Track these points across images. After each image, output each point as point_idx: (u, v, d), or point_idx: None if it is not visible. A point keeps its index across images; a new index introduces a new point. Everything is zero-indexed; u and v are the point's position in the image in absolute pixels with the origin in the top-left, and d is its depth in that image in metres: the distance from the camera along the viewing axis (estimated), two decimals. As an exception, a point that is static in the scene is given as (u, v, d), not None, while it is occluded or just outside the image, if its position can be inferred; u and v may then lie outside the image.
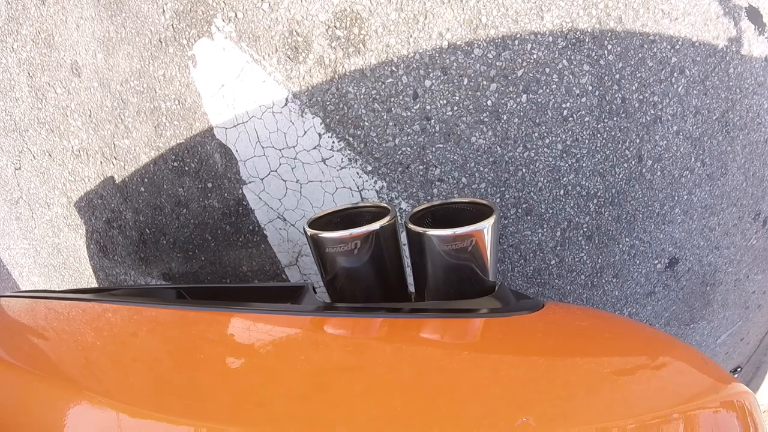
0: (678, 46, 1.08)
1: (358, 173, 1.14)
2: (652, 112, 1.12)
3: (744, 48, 1.15)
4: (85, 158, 1.41)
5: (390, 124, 1.09)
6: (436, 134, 1.09)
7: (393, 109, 1.07)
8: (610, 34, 1.04)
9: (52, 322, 0.71)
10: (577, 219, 1.19)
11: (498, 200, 1.15)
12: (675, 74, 1.10)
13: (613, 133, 1.11)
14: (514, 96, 1.06)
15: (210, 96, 1.15)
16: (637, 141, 1.13)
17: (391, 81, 1.05)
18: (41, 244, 1.73)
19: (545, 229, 1.19)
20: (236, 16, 1.07)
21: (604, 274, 1.29)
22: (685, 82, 1.12)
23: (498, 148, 1.10)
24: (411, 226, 0.67)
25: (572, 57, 1.04)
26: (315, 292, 0.74)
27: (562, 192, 1.15)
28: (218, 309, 0.63)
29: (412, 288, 0.80)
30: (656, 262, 1.31)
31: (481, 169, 1.12)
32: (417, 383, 0.45)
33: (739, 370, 1.84)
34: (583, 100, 1.07)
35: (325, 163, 1.14)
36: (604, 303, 1.34)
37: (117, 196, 1.40)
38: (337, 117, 1.09)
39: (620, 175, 1.16)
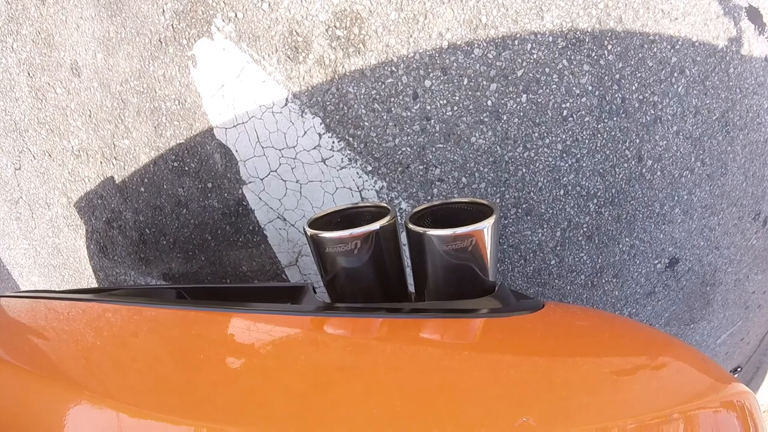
0: (678, 46, 1.08)
1: (358, 173, 1.14)
2: (652, 112, 1.12)
3: (744, 48, 1.15)
4: (85, 158, 1.41)
5: (390, 124, 1.09)
6: (436, 134, 1.09)
7: (393, 109, 1.07)
8: (610, 34, 1.04)
9: (52, 322, 0.71)
10: (577, 219, 1.19)
11: (498, 200, 1.15)
12: (675, 74, 1.10)
13: (613, 133, 1.11)
14: (514, 96, 1.06)
15: (210, 96, 1.15)
16: (637, 141, 1.13)
17: (391, 81, 1.05)
18: (41, 245, 1.73)
19: (545, 229, 1.19)
20: (236, 16, 1.07)
21: (604, 274, 1.29)
22: (685, 82, 1.12)
23: (498, 148, 1.10)
24: (411, 226, 0.67)
25: (572, 57, 1.04)
26: (315, 292, 0.74)
27: (562, 192, 1.15)
28: (218, 309, 0.63)
29: (412, 288, 0.80)
30: (656, 262, 1.31)
31: (481, 169, 1.12)
32: (417, 383, 0.45)
33: (739, 370, 1.84)
34: (583, 100, 1.07)
35: (325, 163, 1.14)
36: (604, 303, 1.34)
37: (117, 196, 1.40)
38: (337, 117, 1.09)
39: (620, 175, 1.16)
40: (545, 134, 1.09)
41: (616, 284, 1.31)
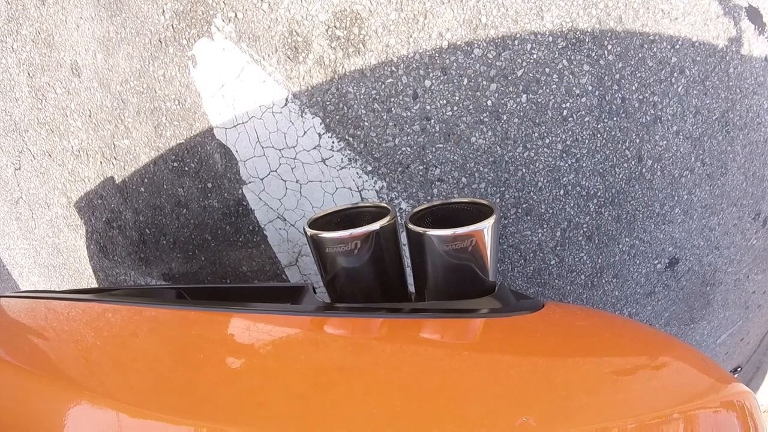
0: (678, 46, 1.08)
1: (358, 173, 1.14)
2: (652, 112, 1.12)
3: (744, 48, 1.15)
4: (85, 158, 1.41)
5: (390, 124, 1.09)
6: (436, 134, 1.09)
7: (393, 109, 1.07)
8: (610, 34, 1.04)
9: (52, 322, 0.71)
10: (577, 219, 1.19)
11: (498, 200, 1.15)
12: (675, 74, 1.10)
13: (613, 133, 1.11)
14: (514, 96, 1.06)
15: (210, 96, 1.15)
16: (637, 141, 1.13)
17: (391, 81, 1.05)
18: (41, 245, 1.73)
19: (545, 229, 1.19)
20: (236, 16, 1.07)
21: (604, 274, 1.29)
22: (685, 82, 1.12)
23: (498, 148, 1.10)
24: (411, 226, 0.67)
25: (572, 57, 1.04)
26: (315, 292, 0.74)
27: (562, 192, 1.15)
28: (218, 309, 0.63)
29: (412, 288, 0.80)
30: (656, 262, 1.31)
31: (481, 169, 1.12)
32: (417, 383, 0.45)
33: (739, 370, 1.84)
34: (583, 100, 1.07)
35: (324, 163, 1.14)
36: (604, 303, 1.34)
37: (117, 196, 1.40)
38: (337, 117, 1.09)
39: (620, 175, 1.16)
40: (545, 134, 1.09)
41: (616, 284, 1.31)
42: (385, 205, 0.74)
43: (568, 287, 1.28)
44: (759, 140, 1.27)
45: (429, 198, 1.15)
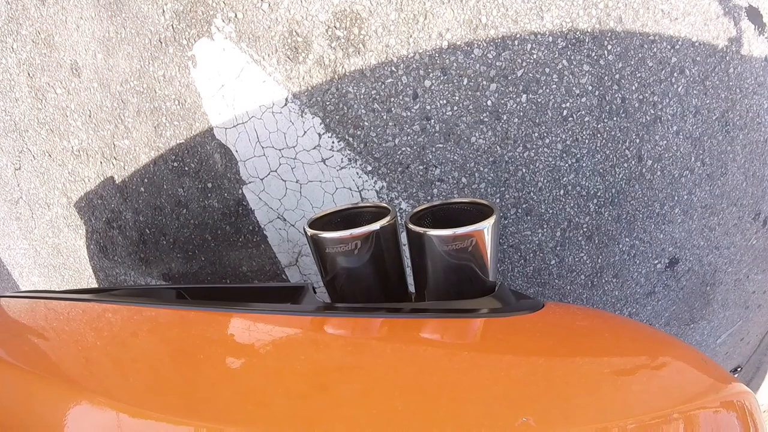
0: (678, 46, 1.08)
1: (358, 173, 1.14)
2: (652, 112, 1.12)
3: (744, 48, 1.15)
4: (85, 158, 1.41)
5: (390, 124, 1.09)
6: (436, 134, 1.09)
7: (393, 109, 1.07)
8: (610, 34, 1.04)
9: (52, 322, 0.71)
10: (577, 219, 1.19)
11: (498, 200, 1.15)
12: (675, 74, 1.10)
13: (613, 133, 1.11)
14: (514, 96, 1.06)
15: (210, 96, 1.15)
16: (637, 141, 1.13)
17: (391, 81, 1.05)
18: (41, 245, 1.73)
19: (545, 229, 1.19)
20: (236, 16, 1.07)
21: (604, 274, 1.29)
22: (685, 82, 1.12)
23: (498, 148, 1.10)
24: (411, 226, 0.68)
25: (572, 57, 1.04)
26: (315, 292, 0.74)
27: (562, 192, 1.15)
28: (218, 309, 0.63)
29: (412, 288, 0.80)
30: (656, 262, 1.31)
31: (481, 169, 1.12)
32: (417, 383, 0.45)
33: (739, 370, 1.84)
34: (583, 100, 1.07)
35: (324, 163, 1.14)
36: (604, 303, 1.34)
37: (117, 197, 1.40)
38: (337, 117, 1.09)
39: (620, 175, 1.16)
40: (545, 134, 1.09)
41: (616, 284, 1.31)
42: (385, 205, 0.74)
43: (568, 287, 1.28)
44: (759, 140, 1.27)
45: (429, 198, 1.15)
